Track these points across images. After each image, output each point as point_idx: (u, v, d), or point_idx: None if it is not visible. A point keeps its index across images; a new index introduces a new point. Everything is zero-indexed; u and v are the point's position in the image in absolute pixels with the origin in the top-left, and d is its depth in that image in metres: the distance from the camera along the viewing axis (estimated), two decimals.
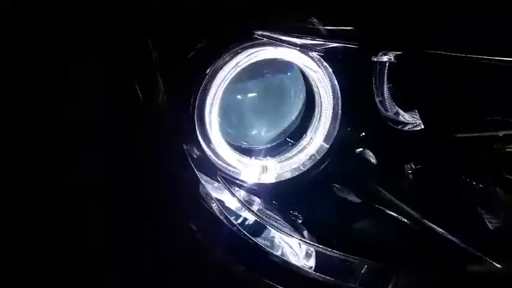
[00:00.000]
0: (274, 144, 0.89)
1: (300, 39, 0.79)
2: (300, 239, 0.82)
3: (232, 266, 0.79)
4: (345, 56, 0.82)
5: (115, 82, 0.78)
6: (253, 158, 0.87)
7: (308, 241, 0.83)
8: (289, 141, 0.90)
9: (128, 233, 0.77)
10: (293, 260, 0.81)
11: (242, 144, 0.88)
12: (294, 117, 0.89)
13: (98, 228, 0.77)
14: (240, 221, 0.83)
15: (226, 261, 0.79)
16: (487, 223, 0.81)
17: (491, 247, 0.77)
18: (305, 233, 0.86)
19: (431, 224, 0.84)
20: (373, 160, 0.85)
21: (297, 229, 0.86)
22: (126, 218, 0.77)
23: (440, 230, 0.80)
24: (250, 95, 0.86)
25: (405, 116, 0.87)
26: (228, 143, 0.85)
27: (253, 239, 0.79)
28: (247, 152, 0.87)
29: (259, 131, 0.88)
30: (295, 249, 0.83)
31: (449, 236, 0.80)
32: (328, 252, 0.81)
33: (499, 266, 0.75)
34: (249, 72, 0.84)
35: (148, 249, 0.77)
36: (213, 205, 0.81)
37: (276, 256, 0.79)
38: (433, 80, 0.81)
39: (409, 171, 0.85)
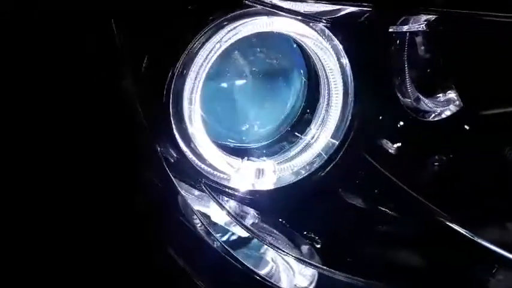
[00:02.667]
0: (271, 141, 0.71)
1: (301, 6, 0.62)
2: (303, 260, 0.64)
3: None
4: (356, 27, 0.65)
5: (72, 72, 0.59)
6: (245, 159, 0.69)
7: (312, 262, 0.66)
8: (291, 137, 0.72)
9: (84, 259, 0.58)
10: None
11: (231, 142, 0.70)
12: (294, 108, 0.71)
13: None
14: (230, 239, 0.65)
15: None
16: None
17: None
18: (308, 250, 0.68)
19: (461, 229, 0.67)
20: (392, 150, 0.68)
21: (300, 246, 0.69)
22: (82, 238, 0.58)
23: (469, 234, 0.64)
24: (239, 80, 0.69)
25: (427, 103, 0.70)
26: (213, 142, 0.67)
27: (247, 264, 0.62)
28: (238, 152, 0.70)
29: (252, 126, 0.70)
30: (297, 270, 0.65)
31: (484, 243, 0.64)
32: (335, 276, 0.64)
33: None
34: (237, 51, 0.66)
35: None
36: (196, 221, 0.63)
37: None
38: (470, 56, 0.64)
39: (435, 166, 0.69)
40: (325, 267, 0.67)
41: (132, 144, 0.64)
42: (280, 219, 0.71)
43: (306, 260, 0.68)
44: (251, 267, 0.64)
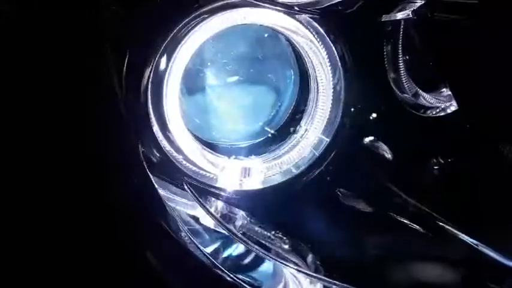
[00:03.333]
0: (259, 140, 0.68)
1: None
2: (295, 268, 0.61)
3: None
4: (346, 18, 0.61)
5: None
6: (232, 157, 0.66)
7: (306, 271, 0.63)
8: (280, 135, 0.69)
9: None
10: None
11: (218, 141, 0.67)
12: (284, 106, 0.68)
13: None
14: (215, 246, 0.62)
15: None
16: None
17: None
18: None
19: (467, 238, 0.63)
20: (388, 155, 0.64)
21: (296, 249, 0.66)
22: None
23: (473, 241, 0.60)
24: (225, 76, 0.66)
25: (427, 98, 0.66)
26: (198, 140, 0.64)
27: (233, 275, 0.59)
28: (225, 151, 0.67)
29: (239, 124, 0.68)
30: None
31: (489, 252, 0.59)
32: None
33: None
34: (220, 44, 0.63)
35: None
36: (179, 225, 0.61)
37: None
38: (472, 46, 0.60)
39: (435, 168, 0.64)
40: (320, 276, 0.63)
41: (112, 144, 0.61)
42: (269, 221, 0.67)
43: (302, 270, 0.64)
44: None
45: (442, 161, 0.64)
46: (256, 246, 0.62)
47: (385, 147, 0.65)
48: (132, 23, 0.60)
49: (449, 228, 0.65)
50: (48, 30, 0.58)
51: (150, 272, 0.58)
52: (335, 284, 0.62)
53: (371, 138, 0.68)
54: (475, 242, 0.64)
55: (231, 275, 0.60)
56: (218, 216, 0.67)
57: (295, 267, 0.63)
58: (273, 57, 0.67)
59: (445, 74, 0.60)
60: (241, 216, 0.67)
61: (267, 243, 0.66)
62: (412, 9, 0.58)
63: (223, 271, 0.60)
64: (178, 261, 0.60)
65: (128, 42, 0.60)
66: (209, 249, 0.62)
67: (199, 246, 0.58)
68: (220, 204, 0.67)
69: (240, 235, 0.62)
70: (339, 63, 0.64)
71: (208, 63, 0.66)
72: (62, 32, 0.58)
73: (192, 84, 0.65)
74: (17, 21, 0.56)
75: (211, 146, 0.67)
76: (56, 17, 0.58)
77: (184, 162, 0.64)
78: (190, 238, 0.59)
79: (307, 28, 0.62)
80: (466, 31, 0.55)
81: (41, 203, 0.56)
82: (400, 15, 0.59)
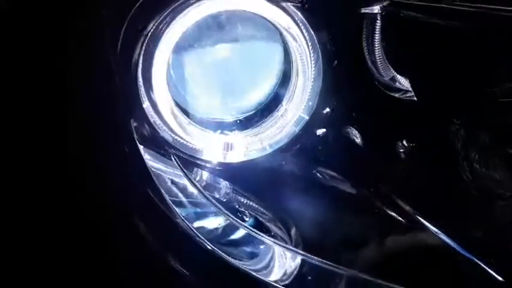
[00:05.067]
0: (243, 116, 0.73)
1: None
2: (271, 240, 0.67)
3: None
4: (327, 6, 0.65)
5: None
6: (218, 132, 0.71)
7: (281, 244, 0.68)
8: (263, 112, 0.74)
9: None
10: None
11: (205, 116, 0.72)
12: (267, 83, 0.73)
13: None
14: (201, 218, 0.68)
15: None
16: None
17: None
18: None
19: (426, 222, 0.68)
20: (358, 140, 0.69)
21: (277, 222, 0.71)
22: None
23: (433, 228, 0.65)
24: (214, 54, 0.70)
25: (403, 82, 0.71)
26: (185, 114, 0.69)
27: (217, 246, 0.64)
28: (210, 125, 0.72)
29: (223, 100, 0.72)
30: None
31: (445, 238, 0.65)
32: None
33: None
34: (212, 24, 0.68)
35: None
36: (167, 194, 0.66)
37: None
38: (438, 36, 0.64)
39: (401, 151, 0.69)
40: (296, 250, 0.68)
41: (104, 116, 0.67)
42: (251, 192, 0.73)
43: (278, 242, 0.69)
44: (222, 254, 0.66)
45: (406, 145, 0.69)
46: (233, 217, 0.68)
47: (355, 132, 0.69)
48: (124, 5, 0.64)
49: (415, 214, 0.70)
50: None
51: (137, 239, 0.65)
52: (310, 258, 0.68)
53: (348, 117, 0.72)
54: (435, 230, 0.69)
55: (212, 246, 0.66)
56: (203, 184, 0.72)
57: (272, 240, 0.69)
58: (261, 40, 0.71)
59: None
60: (224, 186, 0.73)
61: (251, 214, 0.72)
62: (381, 5, 0.62)
63: (205, 241, 0.66)
64: (163, 230, 0.66)
65: (122, 18, 0.65)
66: (195, 222, 0.68)
67: (180, 215, 0.64)
68: (205, 174, 0.73)
69: (220, 206, 0.68)
70: (319, 49, 0.68)
71: (199, 42, 0.70)
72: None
73: (182, 61, 0.70)
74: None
75: (198, 121, 0.72)
76: None
77: (171, 135, 0.69)
78: (173, 208, 0.65)
79: (289, 15, 0.66)
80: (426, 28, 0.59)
81: (33, 175, 0.62)
82: (376, 9, 0.63)
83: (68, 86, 0.65)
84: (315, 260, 0.68)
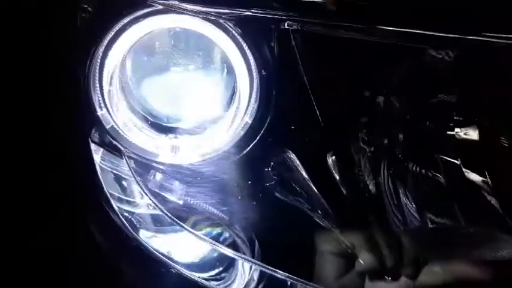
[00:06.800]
0: (195, 121, 0.80)
1: (202, 7, 0.70)
2: (222, 248, 0.73)
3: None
4: (257, 23, 0.71)
5: None
6: (169, 135, 0.79)
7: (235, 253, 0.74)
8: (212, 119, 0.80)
9: None
10: None
11: (158, 120, 0.80)
12: (216, 91, 0.79)
13: None
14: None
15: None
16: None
17: None
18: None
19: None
20: (297, 163, 0.74)
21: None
22: None
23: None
24: (166, 63, 0.78)
25: None
26: (139, 118, 0.77)
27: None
28: (162, 129, 0.80)
29: (176, 107, 0.80)
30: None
31: None
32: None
33: None
34: (160, 39, 0.76)
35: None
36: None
37: None
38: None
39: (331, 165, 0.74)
40: (242, 256, 0.74)
41: (63, 121, 0.76)
42: (203, 195, 0.80)
43: (229, 250, 0.75)
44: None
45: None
46: (183, 225, 0.75)
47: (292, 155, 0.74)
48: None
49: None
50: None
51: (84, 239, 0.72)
52: (259, 265, 0.73)
53: (288, 127, 0.78)
54: None
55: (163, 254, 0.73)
56: (158, 185, 0.80)
57: (224, 248, 0.76)
58: (207, 51, 0.78)
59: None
60: (178, 188, 0.80)
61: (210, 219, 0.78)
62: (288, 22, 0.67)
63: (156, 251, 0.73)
64: (107, 231, 0.74)
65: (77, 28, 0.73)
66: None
67: (121, 217, 0.72)
68: (159, 175, 0.80)
69: (170, 215, 0.75)
70: (254, 62, 0.74)
71: (153, 52, 0.77)
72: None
73: (138, 69, 0.77)
74: None
75: (151, 125, 0.79)
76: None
77: (125, 137, 0.77)
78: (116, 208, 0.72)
79: (224, 32, 0.72)
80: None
81: None
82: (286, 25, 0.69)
83: (26, 95, 0.73)
84: (279, 274, 0.73)
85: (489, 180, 0.72)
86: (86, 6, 0.73)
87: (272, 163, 0.79)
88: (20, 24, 0.71)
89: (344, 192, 0.74)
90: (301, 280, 0.74)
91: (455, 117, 0.72)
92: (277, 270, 0.75)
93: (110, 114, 0.76)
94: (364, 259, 0.72)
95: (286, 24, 0.67)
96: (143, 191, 0.74)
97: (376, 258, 0.71)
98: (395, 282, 0.72)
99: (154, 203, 0.74)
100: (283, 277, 0.73)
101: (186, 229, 0.75)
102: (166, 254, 0.76)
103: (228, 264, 0.81)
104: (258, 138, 0.79)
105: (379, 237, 0.72)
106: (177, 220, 0.74)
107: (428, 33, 0.63)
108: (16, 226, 0.71)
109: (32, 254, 0.70)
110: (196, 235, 0.75)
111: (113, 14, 0.70)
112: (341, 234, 0.72)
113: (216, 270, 0.81)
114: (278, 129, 0.77)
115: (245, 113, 0.77)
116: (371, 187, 0.74)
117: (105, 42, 0.73)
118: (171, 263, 0.76)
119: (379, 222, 0.74)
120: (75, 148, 0.75)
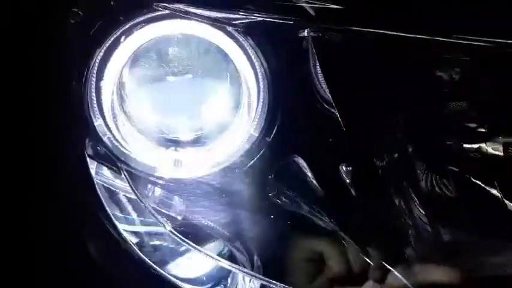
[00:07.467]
0: (195, 134, 0.76)
1: (211, 12, 0.66)
2: (226, 263, 0.70)
3: None
4: (268, 31, 0.68)
5: None
6: (170, 149, 0.74)
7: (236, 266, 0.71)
8: (215, 130, 0.76)
9: None
10: None
11: (158, 133, 0.75)
12: (220, 102, 0.75)
13: None
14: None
15: None
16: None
17: None
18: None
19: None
20: (307, 171, 0.71)
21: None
22: None
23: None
24: (166, 73, 0.73)
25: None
26: (138, 131, 0.72)
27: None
28: (163, 142, 0.75)
29: (176, 119, 0.75)
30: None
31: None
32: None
33: None
34: (161, 48, 0.71)
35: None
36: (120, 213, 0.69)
37: None
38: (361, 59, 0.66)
39: (344, 174, 0.71)
40: (251, 272, 0.71)
41: (59, 132, 0.70)
42: (204, 209, 0.75)
43: (233, 265, 0.72)
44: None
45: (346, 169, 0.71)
46: (185, 239, 0.71)
47: (304, 163, 0.71)
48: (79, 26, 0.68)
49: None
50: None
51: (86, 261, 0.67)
52: (263, 280, 0.70)
53: (297, 137, 0.74)
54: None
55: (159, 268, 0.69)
56: (157, 201, 0.75)
57: (227, 263, 0.72)
58: (212, 61, 0.74)
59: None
60: (178, 203, 0.75)
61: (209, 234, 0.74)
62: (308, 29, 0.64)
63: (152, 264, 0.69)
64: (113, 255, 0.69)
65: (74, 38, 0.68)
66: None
67: (122, 232, 0.67)
68: (158, 190, 0.75)
69: (174, 232, 0.70)
70: (262, 71, 0.70)
71: (152, 61, 0.73)
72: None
73: (136, 79, 0.72)
74: None
75: (151, 138, 0.75)
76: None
77: (124, 151, 0.72)
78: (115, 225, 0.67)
79: (233, 40, 0.68)
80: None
81: None
82: (305, 33, 0.65)
83: (24, 105, 0.68)
84: (278, 286, 0.70)
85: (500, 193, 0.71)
86: (82, 11, 0.68)
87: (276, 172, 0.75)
88: (16, 27, 0.66)
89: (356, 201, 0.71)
90: None
91: (470, 129, 0.70)
92: (277, 283, 0.71)
93: (106, 125, 0.71)
94: (332, 265, 0.71)
95: (305, 32, 0.64)
96: (145, 206, 0.69)
97: (343, 264, 0.71)
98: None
99: (158, 220, 0.69)
100: None
101: (190, 245, 0.70)
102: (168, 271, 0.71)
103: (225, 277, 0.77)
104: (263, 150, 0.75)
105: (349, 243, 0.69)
106: (180, 236, 0.69)
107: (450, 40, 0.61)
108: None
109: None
110: (199, 250, 0.71)
111: (114, 19, 0.65)
112: (310, 241, 0.69)
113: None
114: (285, 141, 0.74)
115: (250, 125, 0.73)
116: (384, 197, 0.71)
117: (104, 49, 0.68)
118: (170, 277, 0.72)
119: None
120: (69, 161, 0.69)
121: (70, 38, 0.67)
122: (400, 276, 0.69)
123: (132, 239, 0.72)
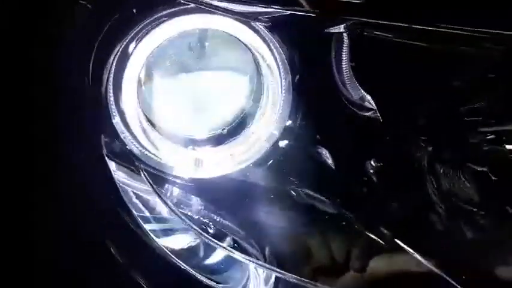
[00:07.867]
0: (215, 133, 0.74)
1: (237, 6, 0.64)
2: (245, 258, 0.68)
3: None
4: (295, 26, 0.66)
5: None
6: (189, 148, 0.72)
7: (255, 261, 0.69)
8: (236, 129, 0.75)
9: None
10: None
11: (177, 132, 0.73)
12: (240, 100, 0.74)
13: None
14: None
15: None
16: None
17: None
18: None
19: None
20: (330, 161, 0.70)
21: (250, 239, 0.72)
22: None
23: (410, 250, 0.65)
24: (186, 71, 0.71)
25: (372, 101, 0.71)
26: (156, 130, 0.70)
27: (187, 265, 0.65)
28: (182, 141, 0.73)
29: (196, 117, 0.73)
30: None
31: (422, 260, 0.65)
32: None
33: None
34: (180, 45, 0.70)
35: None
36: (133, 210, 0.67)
37: None
38: (402, 55, 0.65)
39: (371, 171, 0.70)
40: (269, 266, 0.69)
41: (75, 131, 0.68)
42: (223, 209, 0.73)
43: (252, 259, 0.69)
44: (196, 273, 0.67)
45: (375, 164, 0.70)
46: (205, 235, 0.68)
47: (327, 153, 0.70)
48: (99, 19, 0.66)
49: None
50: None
51: (105, 257, 0.65)
52: (286, 276, 0.68)
53: (318, 137, 0.73)
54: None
55: (183, 265, 0.67)
56: (174, 201, 0.73)
57: (246, 257, 0.69)
58: (233, 58, 0.72)
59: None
60: (196, 203, 0.73)
61: (224, 232, 0.72)
62: (345, 24, 0.63)
63: (177, 261, 0.67)
64: (133, 248, 0.67)
65: (93, 35, 0.66)
66: (163, 238, 0.69)
67: (149, 233, 0.65)
68: (176, 190, 0.73)
69: (191, 223, 0.68)
70: (288, 68, 0.69)
71: (171, 59, 0.71)
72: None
73: (154, 77, 0.71)
74: None
75: (169, 136, 0.73)
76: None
77: (142, 150, 0.70)
78: (141, 225, 0.65)
79: (258, 35, 0.67)
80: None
81: None
82: (341, 29, 0.64)
83: (39, 102, 0.65)
84: (292, 278, 0.68)
85: None
86: (103, 6, 0.66)
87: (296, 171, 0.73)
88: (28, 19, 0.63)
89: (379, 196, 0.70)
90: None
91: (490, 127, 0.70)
92: (287, 273, 0.69)
93: (124, 122, 0.69)
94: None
95: (342, 27, 0.62)
96: (167, 206, 0.67)
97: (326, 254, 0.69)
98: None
99: (182, 220, 0.67)
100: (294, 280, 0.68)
101: (211, 241, 0.68)
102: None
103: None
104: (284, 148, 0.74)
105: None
106: (202, 232, 0.67)
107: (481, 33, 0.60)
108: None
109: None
110: (217, 244, 0.69)
111: (136, 14, 0.63)
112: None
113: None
114: (306, 141, 0.73)
115: (272, 124, 0.72)
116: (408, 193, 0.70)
117: (124, 44, 0.66)
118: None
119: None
120: (88, 161, 0.67)
121: (91, 35, 0.64)
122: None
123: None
